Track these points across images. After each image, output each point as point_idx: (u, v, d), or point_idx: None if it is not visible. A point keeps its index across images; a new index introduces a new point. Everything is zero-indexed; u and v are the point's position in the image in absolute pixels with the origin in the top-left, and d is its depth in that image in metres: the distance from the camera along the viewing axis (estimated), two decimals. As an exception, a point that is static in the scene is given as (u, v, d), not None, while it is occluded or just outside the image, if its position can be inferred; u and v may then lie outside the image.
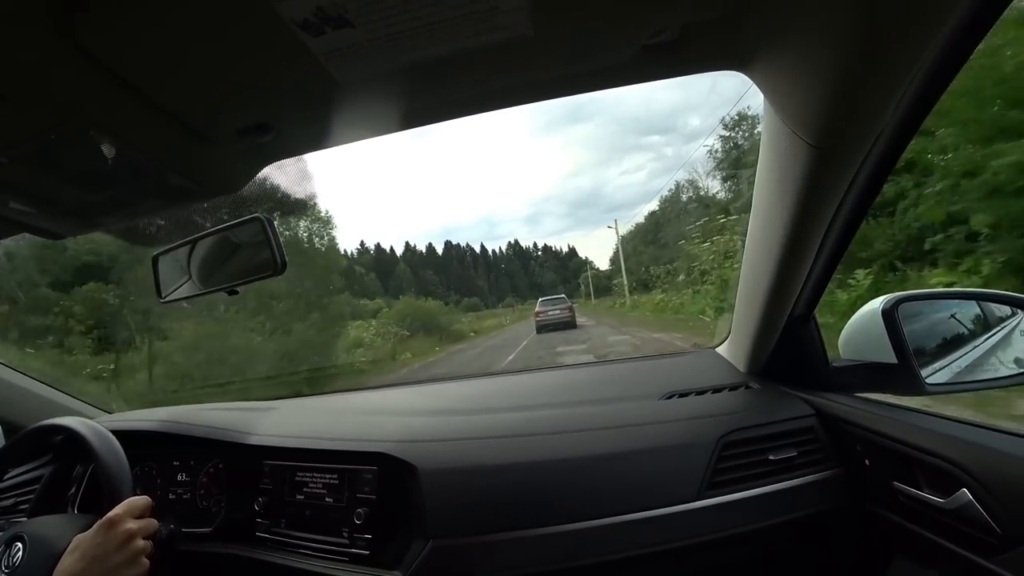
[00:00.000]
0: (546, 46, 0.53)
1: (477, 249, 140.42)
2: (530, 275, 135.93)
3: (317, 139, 0.66)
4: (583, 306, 43.28)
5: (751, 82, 0.65)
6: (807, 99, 0.59)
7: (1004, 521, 0.63)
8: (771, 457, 0.90)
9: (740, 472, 0.89)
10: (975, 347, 1.08)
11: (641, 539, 0.84)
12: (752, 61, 0.62)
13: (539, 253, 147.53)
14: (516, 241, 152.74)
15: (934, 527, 0.74)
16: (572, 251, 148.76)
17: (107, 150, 0.59)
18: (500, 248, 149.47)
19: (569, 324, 17.64)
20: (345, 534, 0.94)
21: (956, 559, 0.70)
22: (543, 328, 17.68)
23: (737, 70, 0.64)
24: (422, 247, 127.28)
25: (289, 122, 0.60)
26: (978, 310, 1.12)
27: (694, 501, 0.86)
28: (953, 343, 1.07)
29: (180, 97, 0.53)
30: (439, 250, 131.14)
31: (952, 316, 1.10)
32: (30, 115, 0.51)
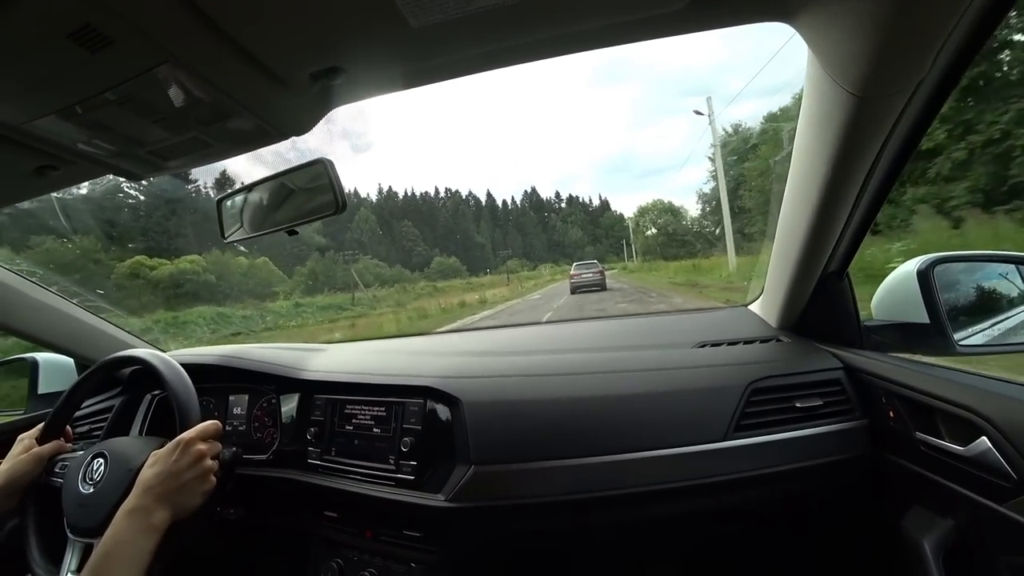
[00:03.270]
0: None
1: (483, 198, 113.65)
2: (549, 231, 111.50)
3: (384, 83, 0.69)
4: (621, 274, 37.93)
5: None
6: (850, 49, 0.60)
7: (1019, 467, 0.66)
8: (797, 404, 0.94)
9: (766, 417, 0.93)
10: (1015, 312, 1.08)
11: (669, 474, 0.90)
12: (798, 11, 0.63)
13: (562, 204, 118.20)
14: (533, 190, 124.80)
15: (952, 474, 0.78)
16: (605, 204, 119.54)
17: (191, 91, 0.64)
18: (513, 198, 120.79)
19: (600, 286, 20.36)
20: (392, 461, 1.02)
21: (971, 504, 0.74)
22: (577, 289, 20.34)
23: (782, 21, 0.65)
24: (411, 192, 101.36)
25: (359, 65, 0.63)
26: (1018, 275, 1.11)
27: (721, 441, 0.91)
28: (989, 306, 1.07)
29: (261, 40, 0.57)
30: (434, 197, 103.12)
31: (990, 279, 1.10)
32: (132, 59, 0.56)
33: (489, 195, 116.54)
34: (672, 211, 58.65)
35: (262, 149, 0.85)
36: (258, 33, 0.56)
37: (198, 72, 0.59)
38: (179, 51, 0.55)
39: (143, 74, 0.58)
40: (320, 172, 0.86)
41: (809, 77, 0.74)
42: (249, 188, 1.03)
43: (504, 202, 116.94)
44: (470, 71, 0.69)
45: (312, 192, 0.93)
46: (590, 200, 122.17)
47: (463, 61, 0.67)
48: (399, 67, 0.66)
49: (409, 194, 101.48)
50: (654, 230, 59.14)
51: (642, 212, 62.17)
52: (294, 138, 0.78)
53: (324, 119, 0.77)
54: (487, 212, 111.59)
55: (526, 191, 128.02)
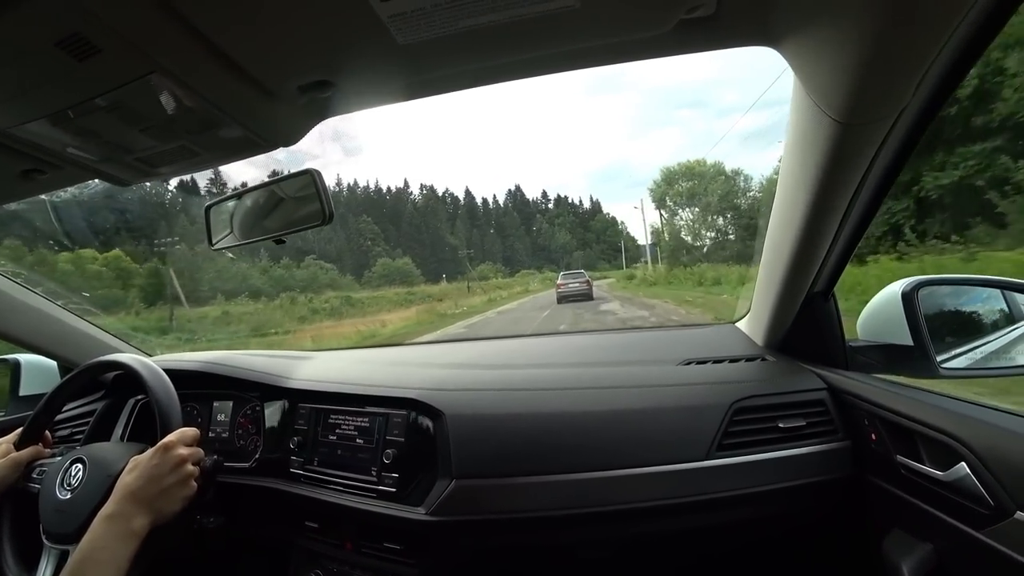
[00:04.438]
0: (590, 18, 0.56)
1: (461, 196, 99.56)
2: (534, 235, 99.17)
3: (372, 97, 0.70)
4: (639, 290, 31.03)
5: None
6: (833, 75, 0.61)
7: (997, 494, 0.66)
8: (780, 425, 0.94)
9: (749, 437, 0.94)
10: (996, 336, 1.09)
11: (650, 492, 0.90)
12: (783, 37, 0.64)
13: (549, 205, 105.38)
14: (517, 188, 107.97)
15: (931, 499, 0.78)
16: (596, 206, 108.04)
17: (179, 101, 0.64)
18: (496, 197, 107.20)
19: (586, 296, 20.46)
20: (374, 472, 1.02)
21: (950, 530, 0.74)
22: (563, 299, 20.23)
23: (768, 46, 0.66)
24: (376, 186, 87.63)
25: (348, 80, 0.64)
26: (1002, 299, 1.12)
27: (703, 460, 0.91)
28: (972, 330, 1.08)
29: (249, 52, 0.58)
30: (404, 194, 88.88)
31: (974, 303, 1.11)
32: (119, 68, 0.56)
33: (468, 192, 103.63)
34: (723, 177, 35.27)
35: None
36: (246, 46, 0.56)
37: (186, 83, 0.59)
38: (167, 62, 0.56)
39: (130, 83, 0.58)
40: (308, 182, 0.87)
41: (794, 102, 0.75)
42: (239, 195, 1.03)
43: (484, 200, 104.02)
44: (459, 87, 0.70)
45: (301, 201, 0.94)
46: (580, 201, 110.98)
47: (451, 77, 0.67)
48: (387, 82, 0.66)
49: (373, 188, 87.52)
50: (688, 216, 36.15)
51: (669, 179, 37.33)
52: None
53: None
54: (465, 211, 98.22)
55: (510, 190, 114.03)
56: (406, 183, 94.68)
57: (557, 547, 0.98)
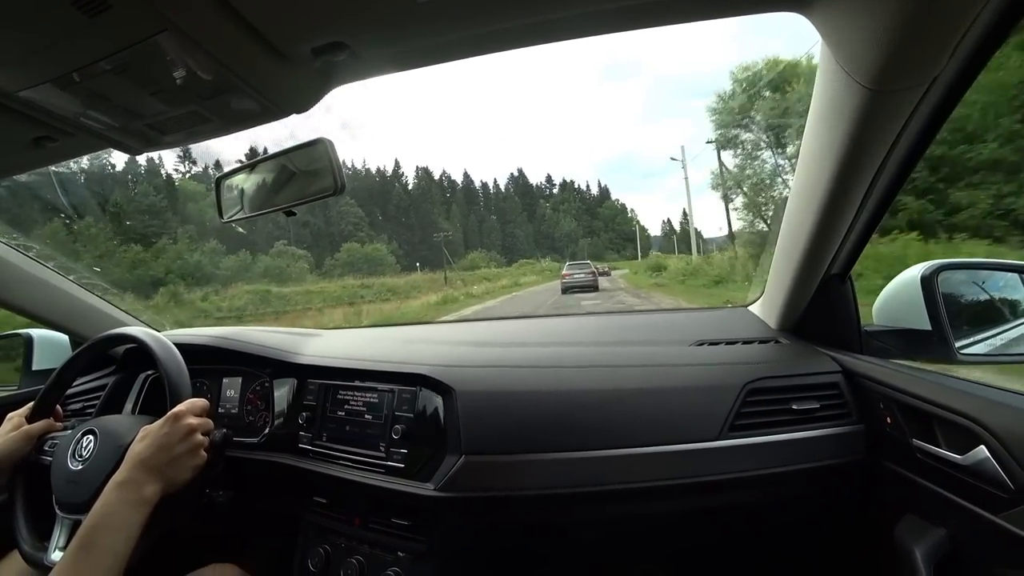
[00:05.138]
0: None
1: (460, 180, 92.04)
2: (537, 221, 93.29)
3: (387, 62, 0.68)
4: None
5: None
6: (865, 40, 0.59)
7: (1017, 477, 0.65)
8: (794, 407, 0.93)
9: (762, 418, 0.93)
10: (1018, 322, 1.07)
11: (660, 472, 0.89)
12: (812, 1, 0.62)
13: (553, 191, 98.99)
14: (520, 172, 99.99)
15: (947, 483, 0.77)
16: (604, 191, 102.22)
17: (190, 62, 0.63)
18: (496, 181, 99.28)
19: (592, 287, 20.22)
20: (382, 448, 1.02)
21: (965, 514, 0.73)
22: (568, 289, 19.95)
23: (796, 11, 0.64)
24: (363, 167, 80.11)
25: (364, 42, 0.62)
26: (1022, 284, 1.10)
27: (714, 441, 0.90)
28: (992, 315, 1.07)
29: (263, 11, 0.56)
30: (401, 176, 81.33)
31: (994, 288, 1.09)
32: (130, 25, 0.55)
33: (466, 175, 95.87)
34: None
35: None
36: (260, 4, 0.55)
37: (197, 43, 0.58)
38: (178, 19, 0.54)
39: (141, 42, 0.57)
40: (320, 153, 0.86)
41: (821, 70, 0.73)
42: (250, 167, 1.02)
43: (484, 184, 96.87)
44: (476, 52, 0.68)
45: (311, 173, 0.93)
46: (587, 186, 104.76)
47: (469, 40, 0.65)
48: (402, 45, 0.64)
49: (361, 167, 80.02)
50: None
51: (751, 84, 19.04)
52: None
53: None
54: (462, 195, 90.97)
55: (512, 174, 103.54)
56: (397, 163, 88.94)
57: (565, 524, 0.97)
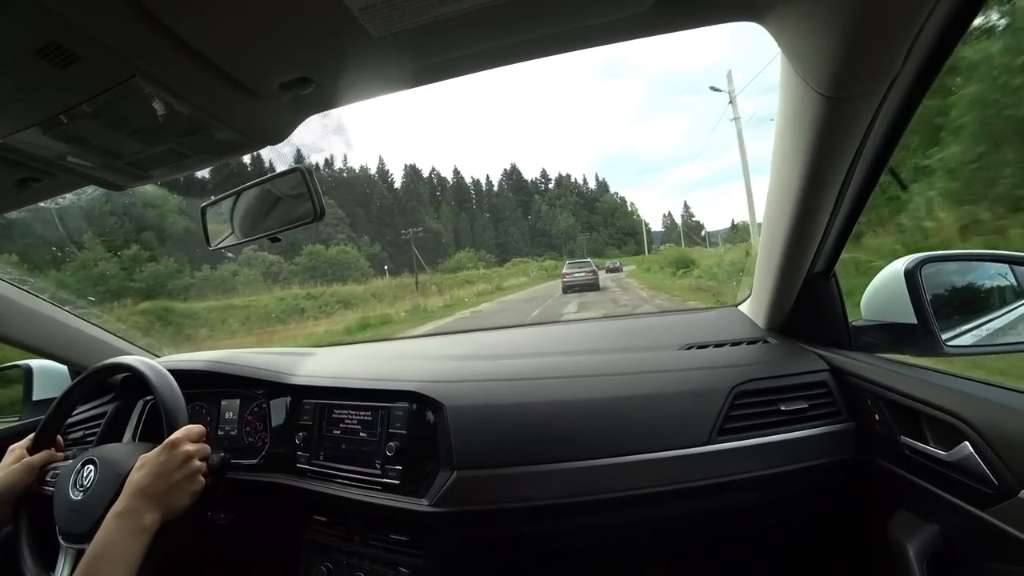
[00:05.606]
0: None
1: (450, 177, 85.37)
2: (532, 219, 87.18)
3: (353, 92, 0.69)
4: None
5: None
6: (819, 48, 0.60)
7: (1000, 473, 0.66)
8: (782, 408, 0.94)
9: (751, 420, 0.93)
10: (1003, 311, 1.07)
11: (652, 479, 0.90)
12: (766, 11, 0.62)
13: (549, 185, 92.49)
14: (514, 167, 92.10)
15: (935, 479, 0.77)
16: (603, 185, 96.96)
17: (163, 105, 0.64)
18: (489, 177, 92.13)
19: (592, 286, 19.44)
20: (377, 465, 1.03)
21: (954, 510, 0.74)
22: (569, 289, 19.35)
23: (752, 20, 0.64)
24: (344, 165, 75.14)
25: (328, 75, 0.63)
26: (1010, 273, 1.10)
27: (704, 445, 0.91)
28: (978, 306, 1.06)
29: (227, 52, 0.57)
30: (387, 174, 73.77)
31: (981, 279, 1.09)
32: (100, 74, 0.56)
33: (456, 172, 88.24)
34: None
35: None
36: (223, 47, 0.56)
37: (167, 86, 0.59)
38: (146, 65, 0.56)
39: (113, 88, 0.58)
40: (299, 180, 0.87)
41: (782, 78, 0.73)
42: (235, 195, 1.04)
43: (476, 181, 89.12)
44: (440, 77, 0.69)
45: (295, 199, 0.94)
46: (584, 180, 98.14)
47: (432, 68, 0.67)
48: (369, 76, 0.66)
49: (343, 167, 73.45)
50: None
51: None
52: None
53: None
54: (452, 192, 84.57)
55: (505, 170, 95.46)
56: (381, 160, 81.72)
57: (561, 535, 0.98)
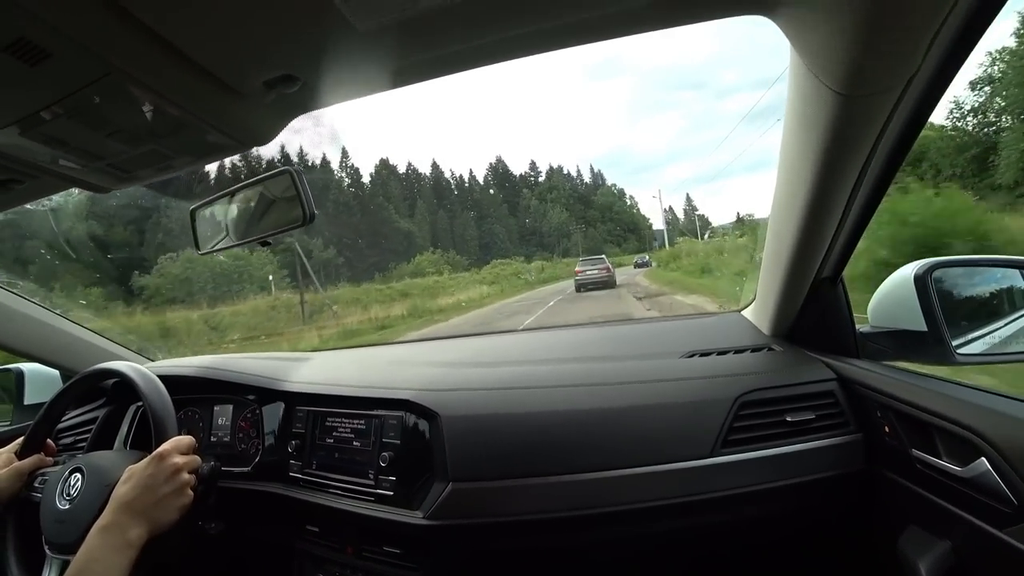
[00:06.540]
0: None
1: (428, 172, 75.86)
2: (521, 215, 78.03)
3: (340, 90, 0.67)
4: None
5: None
6: (834, 45, 0.57)
7: (1020, 491, 0.63)
8: (788, 419, 0.91)
9: (756, 432, 0.90)
10: (1015, 318, 1.04)
11: (653, 492, 0.87)
12: (777, 5, 0.59)
13: (539, 178, 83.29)
14: (499, 160, 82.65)
15: (949, 495, 0.74)
16: (598, 177, 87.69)
17: (145, 105, 0.61)
18: (472, 172, 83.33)
19: (607, 284, 18.19)
20: (371, 476, 1.00)
21: (969, 528, 0.70)
22: (582, 287, 18.34)
23: (762, 14, 0.62)
24: (318, 160, 61.13)
25: (313, 73, 0.61)
26: (1021, 279, 1.07)
27: (708, 458, 0.88)
28: (990, 313, 1.04)
29: (206, 49, 0.55)
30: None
31: (990, 284, 1.06)
32: (73, 71, 0.54)
33: (435, 166, 78.32)
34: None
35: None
36: (203, 42, 0.53)
37: (144, 83, 0.57)
38: (120, 62, 0.53)
39: (87, 87, 0.56)
40: (288, 182, 0.85)
41: (792, 75, 0.70)
42: (225, 198, 1.01)
43: (460, 177, 79.14)
44: (429, 76, 0.67)
45: (286, 202, 0.91)
46: (578, 172, 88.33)
47: (421, 65, 0.64)
48: (355, 73, 0.63)
49: (297, 159, 57.59)
50: None
51: None
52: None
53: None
54: (430, 189, 74.68)
55: (491, 163, 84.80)
56: (345, 153, 72.05)
57: (558, 549, 0.95)
